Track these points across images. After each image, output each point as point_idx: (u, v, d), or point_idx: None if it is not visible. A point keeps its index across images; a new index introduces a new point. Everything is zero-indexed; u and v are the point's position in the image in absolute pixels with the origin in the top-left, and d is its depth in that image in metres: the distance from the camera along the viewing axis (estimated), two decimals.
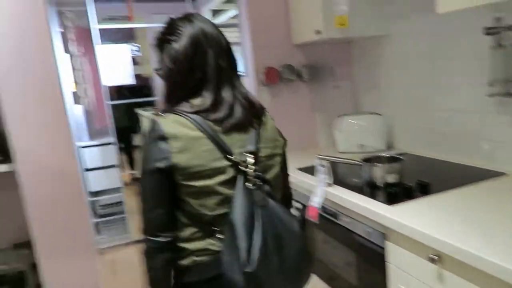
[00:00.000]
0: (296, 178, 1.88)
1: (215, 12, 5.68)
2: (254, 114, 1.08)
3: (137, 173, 1.02)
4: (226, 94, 1.04)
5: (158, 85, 4.85)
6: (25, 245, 1.89)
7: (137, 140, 5.59)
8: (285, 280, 1.02)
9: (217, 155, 1.00)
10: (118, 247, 3.22)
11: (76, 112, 3.63)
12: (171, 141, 0.98)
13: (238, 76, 1.10)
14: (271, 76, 2.27)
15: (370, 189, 1.59)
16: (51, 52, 1.68)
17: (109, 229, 3.57)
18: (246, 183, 1.00)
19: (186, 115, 1.00)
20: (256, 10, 2.26)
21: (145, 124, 1.06)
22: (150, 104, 5.51)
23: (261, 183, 1.03)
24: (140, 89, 5.83)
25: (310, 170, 1.89)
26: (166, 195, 1.01)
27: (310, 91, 2.44)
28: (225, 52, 1.07)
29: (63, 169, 1.75)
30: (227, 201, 1.01)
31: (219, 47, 1.06)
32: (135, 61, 4.99)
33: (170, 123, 1.00)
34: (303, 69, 2.34)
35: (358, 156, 1.79)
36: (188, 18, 1.07)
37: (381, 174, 1.59)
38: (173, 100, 1.06)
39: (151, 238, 1.01)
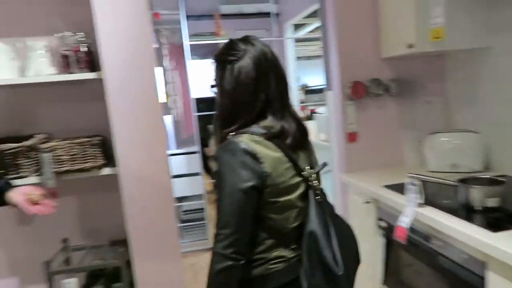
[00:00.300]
0: (383, 195, 1.82)
1: (296, 27, 5.76)
2: (306, 132, 1.19)
3: (216, 192, 1.07)
4: (288, 115, 1.13)
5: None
6: (122, 242, 2.05)
7: (211, 150, 5.80)
8: (348, 280, 1.12)
9: (292, 172, 1.10)
10: (198, 252, 3.36)
11: (165, 122, 3.90)
12: (262, 160, 1.04)
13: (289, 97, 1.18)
14: (358, 91, 2.23)
15: (467, 213, 1.48)
16: (153, 67, 1.84)
17: (190, 234, 3.75)
18: (316, 197, 1.12)
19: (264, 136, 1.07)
20: (343, 22, 2.25)
21: (228, 143, 1.08)
22: None
23: (324, 195, 1.17)
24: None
25: (397, 188, 1.81)
26: (252, 214, 1.05)
27: (398, 106, 2.35)
28: (282, 74, 1.14)
29: (156, 175, 1.88)
30: (301, 213, 1.12)
31: (278, 69, 1.13)
32: None
33: (255, 143, 1.06)
34: (391, 83, 2.26)
35: (450, 176, 1.68)
36: (249, 40, 1.13)
37: (480, 197, 1.47)
38: (237, 119, 1.11)
39: (235, 259, 1.02)
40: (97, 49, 1.84)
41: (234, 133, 1.10)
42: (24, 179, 1.80)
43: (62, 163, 1.83)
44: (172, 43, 3.72)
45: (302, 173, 1.12)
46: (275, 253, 1.11)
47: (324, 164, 1.23)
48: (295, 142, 1.12)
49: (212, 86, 1.17)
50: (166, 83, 3.69)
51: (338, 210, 2.56)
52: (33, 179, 1.82)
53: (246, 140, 1.06)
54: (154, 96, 1.88)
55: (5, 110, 1.38)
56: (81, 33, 1.87)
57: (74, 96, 2.09)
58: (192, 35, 3.67)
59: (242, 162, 1.03)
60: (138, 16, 1.78)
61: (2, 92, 1.97)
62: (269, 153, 1.06)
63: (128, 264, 1.93)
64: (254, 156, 1.04)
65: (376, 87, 2.25)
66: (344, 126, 2.31)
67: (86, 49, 1.88)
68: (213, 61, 1.16)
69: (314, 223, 1.09)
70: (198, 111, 3.44)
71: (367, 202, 1.99)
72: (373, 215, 1.97)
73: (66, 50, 1.88)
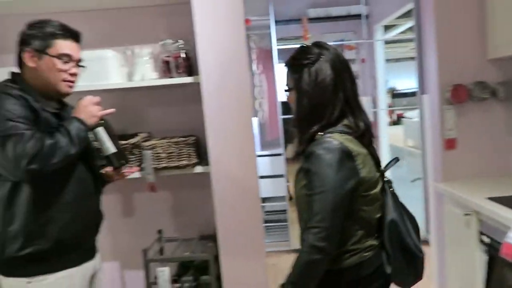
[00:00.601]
0: (487, 208, 1.66)
1: (387, 28, 5.52)
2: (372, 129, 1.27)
3: (314, 188, 1.11)
4: (362, 113, 1.23)
5: None
6: (210, 237, 2.16)
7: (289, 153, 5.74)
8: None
9: (375, 168, 1.22)
10: (279, 253, 3.39)
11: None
12: (357, 158, 1.14)
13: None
14: (459, 94, 2.06)
15: None
16: (247, 71, 1.91)
17: (272, 234, 3.79)
18: (390, 189, 1.25)
19: (351, 134, 1.17)
20: (442, 21, 2.11)
21: (323, 141, 1.14)
22: None
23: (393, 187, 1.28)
24: None
25: (505, 201, 1.64)
26: (345, 211, 1.13)
27: (507, 111, 2.13)
28: (353, 75, 1.23)
29: (245, 175, 1.94)
30: (381, 205, 1.23)
31: (350, 70, 1.22)
32: None
33: (349, 142, 1.14)
34: (499, 86, 2.06)
35: None
36: (321, 44, 1.22)
37: None
38: (318, 120, 1.18)
39: (325, 253, 1.09)
40: (194, 55, 1.96)
41: (321, 132, 1.16)
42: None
43: (160, 160, 1.99)
44: (260, 47, 3.81)
45: (381, 168, 1.26)
46: (367, 243, 1.20)
47: (397, 160, 1.32)
48: (370, 139, 1.24)
49: (286, 91, 1.25)
50: (253, 86, 3.78)
51: (432, 220, 2.40)
52: (135, 173, 2.00)
53: (340, 139, 1.13)
54: (247, 99, 1.94)
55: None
56: (181, 41, 2.01)
57: (173, 98, 2.25)
58: (279, 39, 3.73)
59: (339, 160, 1.11)
60: (235, 23, 1.87)
61: (113, 95, 2.20)
62: (360, 150, 1.16)
63: (216, 258, 2.01)
64: (349, 154, 1.12)
65: (480, 91, 2.06)
66: (441, 132, 2.16)
67: (184, 55, 2.01)
68: (286, 66, 1.25)
69: (393, 213, 1.21)
70: (284, 114, 3.48)
71: (467, 215, 1.83)
72: (474, 229, 1.81)
73: (167, 57, 2.03)
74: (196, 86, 1.95)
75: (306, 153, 1.16)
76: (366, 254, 1.20)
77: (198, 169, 2.04)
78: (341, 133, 1.15)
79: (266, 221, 3.87)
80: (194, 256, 2.08)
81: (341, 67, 1.19)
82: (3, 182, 1.30)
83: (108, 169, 1.58)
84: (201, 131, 1.99)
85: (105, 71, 1.93)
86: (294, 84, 1.21)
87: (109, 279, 2.35)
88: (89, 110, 1.41)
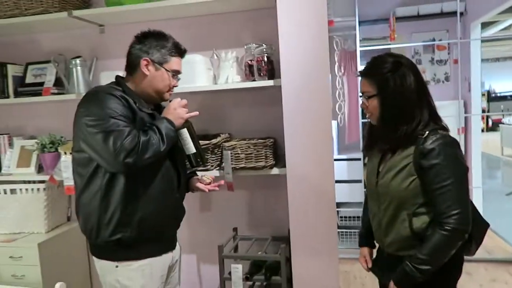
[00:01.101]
0: None
1: (484, 25, 5.05)
2: None
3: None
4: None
5: None
6: (283, 239, 2.19)
7: None
8: None
9: None
10: (353, 260, 3.31)
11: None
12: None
13: None
14: None
15: None
16: (327, 75, 1.89)
17: (345, 241, 3.71)
18: None
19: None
20: None
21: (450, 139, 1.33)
22: None
23: None
24: None
25: None
26: None
27: None
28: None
29: (321, 178, 1.92)
30: None
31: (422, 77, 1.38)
32: None
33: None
34: None
35: None
36: (394, 54, 1.41)
37: None
38: (405, 121, 1.34)
39: (466, 234, 1.29)
40: (276, 58, 1.99)
41: (422, 132, 1.33)
42: (209, 171, 2.09)
43: (239, 161, 2.06)
44: (343, 49, 3.73)
45: None
46: None
47: None
48: None
49: (368, 97, 1.40)
50: (334, 89, 3.72)
51: None
52: (215, 172, 2.10)
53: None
54: (326, 102, 1.93)
55: (200, 111, 1.65)
56: (265, 45, 2.06)
57: (254, 101, 2.31)
58: (364, 40, 3.61)
59: (459, 151, 1.32)
60: (317, 26, 1.86)
61: (199, 96, 2.33)
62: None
63: (288, 260, 2.04)
64: (459, 146, 1.34)
65: None
66: None
67: (267, 59, 2.06)
68: (365, 75, 1.41)
69: None
70: (365, 118, 3.37)
71: None
72: None
73: (251, 60, 2.09)
74: (277, 89, 1.98)
75: (424, 151, 1.30)
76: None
77: (275, 170, 2.07)
78: (443, 130, 1.35)
79: (340, 227, 3.80)
80: (267, 256, 2.13)
81: (417, 71, 1.38)
82: (103, 174, 1.46)
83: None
84: (279, 134, 2.02)
85: (193, 74, 2.05)
86: (378, 91, 1.37)
87: (187, 271, 2.50)
88: (177, 112, 1.55)
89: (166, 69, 1.56)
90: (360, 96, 1.47)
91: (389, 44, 4.28)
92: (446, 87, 4.64)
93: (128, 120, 1.43)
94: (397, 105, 1.35)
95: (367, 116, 1.49)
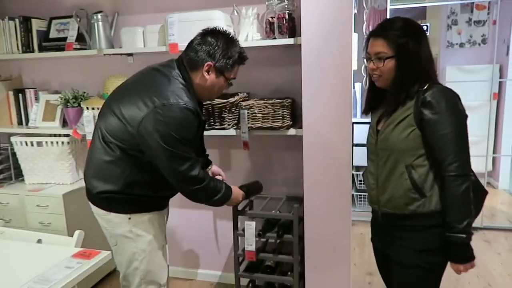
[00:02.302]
0: None
1: None
2: None
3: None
4: None
5: (441, 68, 4.51)
6: (297, 199, 2.21)
7: None
8: None
9: None
10: (367, 223, 3.31)
11: (352, 90, 3.84)
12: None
13: None
14: None
15: None
16: (351, 34, 1.81)
17: (362, 204, 3.72)
18: None
19: None
20: None
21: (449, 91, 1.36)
22: None
23: None
24: None
25: None
26: None
27: None
28: None
29: (338, 141, 1.90)
30: None
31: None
32: None
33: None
34: None
35: None
36: (407, 19, 1.40)
37: None
38: (420, 81, 1.35)
39: (473, 177, 1.35)
40: (298, 15, 1.92)
41: (427, 85, 1.35)
42: (225, 130, 2.10)
43: (256, 120, 2.05)
44: (373, 7, 3.55)
45: None
46: None
47: None
48: None
49: (384, 59, 1.36)
50: (358, 49, 3.58)
51: None
52: (231, 131, 2.11)
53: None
54: (347, 63, 1.86)
55: None
56: (286, 0, 1.98)
57: (273, 60, 2.26)
58: None
59: (459, 102, 1.34)
60: None
61: None
62: None
63: (301, 219, 2.07)
64: (459, 97, 1.35)
65: None
66: None
67: (287, 16, 1.99)
68: (384, 36, 1.36)
69: None
70: None
71: None
72: None
73: (272, 17, 2.03)
74: (297, 48, 1.92)
75: (425, 101, 1.31)
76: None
77: (291, 131, 2.06)
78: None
79: (358, 190, 3.79)
80: (280, 215, 2.16)
81: (426, 36, 1.39)
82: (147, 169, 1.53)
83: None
84: (298, 94, 1.99)
85: None
86: (396, 52, 1.35)
87: (203, 226, 2.59)
88: (238, 198, 1.82)
89: (225, 77, 1.57)
90: (369, 58, 1.42)
91: (424, 3, 4.04)
92: (482, 50, 4.40)
93: (196, 142, 1.58)
94: (415, 67, 1.35)
95: (373, 78, 1.44)
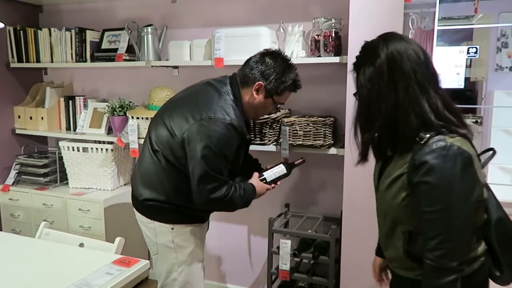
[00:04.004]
0: None
1: None
2: None
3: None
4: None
5: (488, 91, 4.34)
6: (335, 220, 2.16)
7: None
8: None
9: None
10: None
11: None
12: (475, 163, 1.02)
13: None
14: None
15: None
16: None
17: None
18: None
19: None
20: None
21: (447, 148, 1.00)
22: (471, 111, 5.04)
23: None
24: (462, 93, 5.40)
25: None
26: (473, 221, 1.05)
27: None
28: (424, 65, 1.05)
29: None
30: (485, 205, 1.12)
31: (415, 63, 1.03)
32: (467, 64, 4.64)
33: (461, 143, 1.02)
34: None
35: None
36: (383, 38, 1.10)
37: None
38: (376, 122, 1.07)
39: (460, 271, 1.02)
40: (345, 35, 1.91)
41: (428, 135, 1.02)
42: (265, 146, 2.09)
43: (297, 138, 2.04)
44: (419, 27, 3.48)
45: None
46: (480, 248, 1.12)
47: (493, 152, 1.25)
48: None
49: (354, 94, 1.15)
50: None
51: None
52: (271, 147, 2.10)
53: (460, 143, 1.01)
54: None
55: None
56: (334, 19, 1.97)
57: (317, 77, 2.25)
58: (443, 19, 3.31)
59: (464, 169, 0.99)
60: (393, 2, 1.74)
61: None
62: (474, 152, 1.05)
63: (337, 241, 2.01)
64: (471, 160, 1.00)
65: None
66: None
67: (334, 34, 1.98)
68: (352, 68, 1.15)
69: (498, 211, 1.12)
70: None
71: None
72: None
73: (318, 35, 2.02)
74: (342, 67, 1.91)
75: (416, 162, 1.01)
76: (482, 259, 1.12)
77: (332, 150, 2.03)
78: (456, 133, 1.03)
79: None
80: (317, 235, 2.12)
81: (401, 60, 1.05)
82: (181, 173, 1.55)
83: None
84: (340, 113, 1.96)
85: (258, 47, 2.01)
86: (356, 86, 1.15)
87: (237, 241, 2.58)
88: (262, 193, 1.70)
89: (274, 100, 1.58)
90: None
91: (472, 24, 3.92)
92: None
93: (231, 165, 1.52)
94: (364, 107, 1.11)
95: None
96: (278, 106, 1.62)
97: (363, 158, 1.21)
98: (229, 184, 1.51)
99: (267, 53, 1.57)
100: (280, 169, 1.79)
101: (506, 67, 4.33)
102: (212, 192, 1.46)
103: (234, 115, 1.48)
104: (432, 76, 1.07)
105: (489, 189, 1.14)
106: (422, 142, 1.02)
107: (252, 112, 1.61)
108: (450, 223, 0.99)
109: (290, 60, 1.59)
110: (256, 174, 1.72)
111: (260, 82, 1.52)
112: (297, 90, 1.63)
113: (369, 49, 1.11)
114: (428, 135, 1.01)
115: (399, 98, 1.03)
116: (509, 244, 1.13)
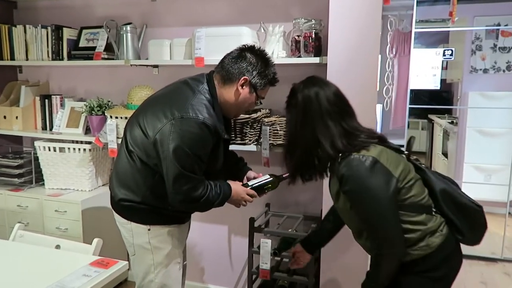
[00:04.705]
0: None
1: None
2: None
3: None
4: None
5: (463, 93, 4.46)
6: (314, 219, 2.18)
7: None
8: None
9: (396, 156, 1.35)
10: None
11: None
12: (381, 160, 1.27)
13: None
14: None
15: None
16: (377, 55, 1.81)
17: None
18: (422, 165, 1.41)
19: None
20: None
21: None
22: (447, 111, 5.17)
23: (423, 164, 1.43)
24: (438, 94, 5.54)
25: None
26: (397, 208, 1.26)
27: None
28: (334, 105, 1.32)
29: None
30: (424, 181, 1.35)
31: (326, 104, 1.31)
32: (443, 66, 4.76)
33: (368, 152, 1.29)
34: None
35: None
36: (303, 83, 1.37)
37: None
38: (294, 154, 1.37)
39: (401, 253, 1.24)
40: (324, 35, 1.93)
41: (341, 154, 1.29)
42: (246, 146, 2.09)
43: (277, 137, 2.04)
44: (397, 29, 3.55)
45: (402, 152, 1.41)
46: (437, 220, 1.32)
47: (414, 138, 1.53)
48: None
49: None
50: (381, 70, 3.57)
51: None
52: (252, 147, 2.11)
53: (364, 153, 1.26)
54: (372, 84, 1.86)
55: None
56: (314, 20, 1.99)
57: (297, 78, 2.23)
58: (420, 22, 3.40)
59: (371, 173, 1.24)
60: (372, 4, 1.77)
61: None
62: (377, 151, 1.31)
63: None
64: (374, 159, 1.25)
65: None
66: None
67: (314, 35, 2.00)
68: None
69: (439, 183, 1.33)
70: (413, 103, 3.23)
71: None
72: None
73: (298, 36, 2.04)
74: (322, 67, 1.92)
75: (339, 178, 1.26)
76: (442, 231, 1.30)
77: None
78: (361, 148, 1.27)
79: None
80: (297, 234, 2.13)
81: (317, 103, 1.33)
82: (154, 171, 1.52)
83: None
84: None
85: None
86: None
87: (218, 241, 2.57)
88: (240, 199, 1.66)
89: (257, 95, 1.59)
90: None
91: (448, 27, 4.02)
92: (507, 77, 4.33)
93: (204, 163, 1.49)
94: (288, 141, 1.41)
95: None
96: (260, 100, 1.62)
97: (291, 181, 1.46)
98: (205, 184, 1.49)
99: (245, 49, 1.57)
100: (265, 177, 1.77)
101: (480, 69, 4.46)
102: (189, 193, 1.44)
103: (207, 113, 1.46)
104: (342, 111, 1.33)
105: (420, 168, 1.35)
106: (339, 160, 1.27)
107: (235, 108, 1.60)
108: (375, 219, 1.23)
109: (267, 55, 1.60)
110: (239, 182, 1.72)
111: (245, 77, 1.52)
112: (275, 84, 1.65)
113: (293, 92, 1.38)
114: (340, 155, 1.27)
115: (315, 131, 1.29)
116: (460, 210, 1.31)
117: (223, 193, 1.56)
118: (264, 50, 1.61)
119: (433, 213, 1.32)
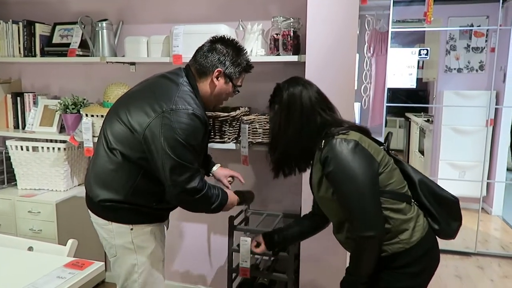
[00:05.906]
0: None
1: None
2: None
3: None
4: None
5: (438, 91, 4.57)
6: (294, 216, 2.19)
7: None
8: None
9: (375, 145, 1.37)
10: None
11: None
12: (363, 143, 1.30)
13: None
14: None
15: None
16: (354, 54, 1.83)
17: None
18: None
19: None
20: None
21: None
22: (423, 110, 5.29)
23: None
24: (415, 93, 5.65)
25: None
26: (379, 190, 1.28)
27: None
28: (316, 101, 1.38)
29: None
30: (402, 174, 1.39)
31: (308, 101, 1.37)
32: (419, 65, 4.86)
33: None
34: None
35: None
36: (287, 82, 1.43)
37: None
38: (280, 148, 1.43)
39: (378, 236, 1.24)
40: (303, 33, 1.93)
41: (324, 140, 1.34)
42: (225, 144, 2.08)
43: (256, 135, 2.04)
44: (375, 29, 3.60)
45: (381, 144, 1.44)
46: (415, 212, 1.35)
47: (391, 134, 1.51)
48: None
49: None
50: (359, 69, 3.62)
51: None
52: (231, 145, 2.10)
53: (345, 136, 1.31)
54: (350, 83, 1.88)
55: None
56: (292, 18, 2.00)
57: (276, 76, 2.25)
58: (397, 22, 3.46)
59: (355, 154, 1.26)
60: (349, 4, 1.79)
61: None
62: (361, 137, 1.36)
63: None
64: (356, 142, 1.29)
65: None
66: None
67: (293, 33, 2.00)
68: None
69: (417, 174, 1.40)
70: (390, 101, 3.28)
71: None
72: None
73: (277, 34, 2.04)
74: (301, 66, 1.93)
75: (322, 161, 1.29)
76: (421, 223, 1.33)
77: None
78: (343, 132, 1.31)
79: None
80: None
81: (300, 103, 1.39)
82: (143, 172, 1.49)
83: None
84: None
85: None
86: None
87: (197, 240, 2.55)
88: (232, 206, 1.69)
89: (233, 84, 1.59)
90: None
91: (424, 27, 4.11)
92: (480, 76, 4.45)
93: (201, 153, 1.54)
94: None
95: None
96: (237, 89, 1.63)
97: (275, 175, 1.50)
98: (202, 176, 1.49)
99: (216, 40, 1.57)
100: (251, 195, 1.91)
101: (455, 69, 4.58)
102: (187, 183, 1.42)
103: (195, 104, 1.47)
104: (326, 107, 1.40)
105: (398, 161, 1.39)
106: (322, 146, 1.31)
107: (213, 100, 1.60)
108: (357, 200, 1.23)
109: (238, 43, 1.61)
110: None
111: (219, 69, 1.53)
112: (251, 70, 1.66)
113: (278, 90, 1.42)
114: (324, 141, 1.31)
115: (299, 126, 1.36)
116: (437, 199, 1.36)
117: (221, 197, 1.58)
118: (234, 39, 1.61)
119: (412, 203, 1.35)
